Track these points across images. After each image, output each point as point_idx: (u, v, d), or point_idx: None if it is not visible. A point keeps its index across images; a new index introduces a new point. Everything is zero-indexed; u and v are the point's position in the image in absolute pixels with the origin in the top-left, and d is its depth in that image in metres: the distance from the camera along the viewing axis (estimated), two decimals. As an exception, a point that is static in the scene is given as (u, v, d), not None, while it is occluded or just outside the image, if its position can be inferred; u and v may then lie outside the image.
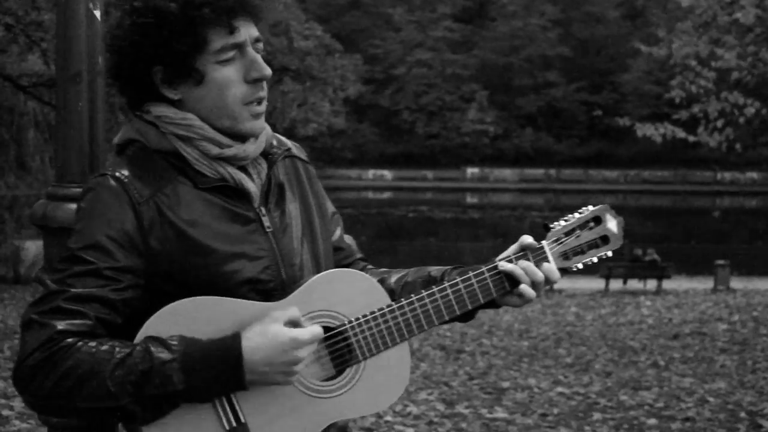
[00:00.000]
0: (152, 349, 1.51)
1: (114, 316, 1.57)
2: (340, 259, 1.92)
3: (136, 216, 1.60)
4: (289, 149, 1.85)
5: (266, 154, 1.77)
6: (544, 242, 1.81)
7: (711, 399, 6.75)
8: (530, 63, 59.91)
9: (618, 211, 1.87)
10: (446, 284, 1.75)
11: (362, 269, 1.94)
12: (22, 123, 14.49)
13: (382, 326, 1.71)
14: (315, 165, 1.93)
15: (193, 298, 1.59)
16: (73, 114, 1.85)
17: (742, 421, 5.96)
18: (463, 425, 5.82)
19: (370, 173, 57.97)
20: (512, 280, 1.77)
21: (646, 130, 11.85)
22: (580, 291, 16.82)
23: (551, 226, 1.83)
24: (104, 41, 1.85)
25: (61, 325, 1.52)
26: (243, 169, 1.72)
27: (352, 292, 1.70)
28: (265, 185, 1.74)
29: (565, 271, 1.83)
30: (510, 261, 1.78)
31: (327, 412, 1.67)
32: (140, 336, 1.56)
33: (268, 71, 1.68)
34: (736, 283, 18.03)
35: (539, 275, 1.77)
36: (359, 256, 1.98)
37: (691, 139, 11.72)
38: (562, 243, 1.82)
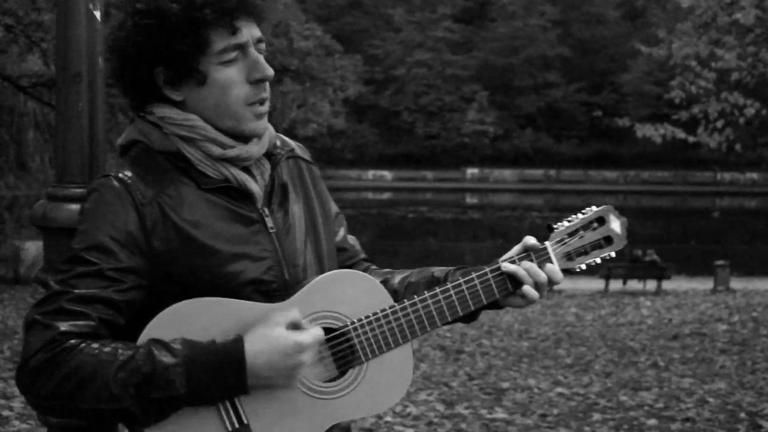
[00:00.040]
0: (155, 352, 1.52)
1: (117, 317, 1.58)
2: (344, 259, 1.92)
3: (139, 217, 1.60)
4: (292, 150, 1.85)
5: (269, 155, 1.77)
6: (547, 243, 1.81)
7: (711, 399, 6.75)
8: (530, 63, 59.89)
9: (617, 211, 1.87)
10: (449, 285, 1.75)
11: (366, 270, 1.94)
12: (22, 123, 14.49)
13: (385, 327, 1.71)
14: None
15: (194, 299, 1.59)
16: (73, 114, 1.85)
17: (741, 421, 5.96)
18: (463, 426, 5.82)
19: (370, 174, 57.96)
20: (515, 281, 1.77)
21: (645, 130, 11.85)
22: (580, 291, 16.82)
23: (554, 226, 1.83)
24: (105, 42, 1.85)
25: (64, 326, 1.52)
26: (246, 169, 1.72)
27: (355, 293, 1.70)
28: (269, 186, 1.74)
29: (568, 272, 1.83)
30: (513, 262, 1.78)
31: (330, 413, 1.67)
32: (143, 338, 1.56)
33: (271, 72, 1.68)
34: (736, 283, 18.02)
35: (542, 276, 1.77)
36: (363, 256, 1.98)
37: (691, 139, 11.72)
38: (565, 244, 1.82)
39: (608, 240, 1.85)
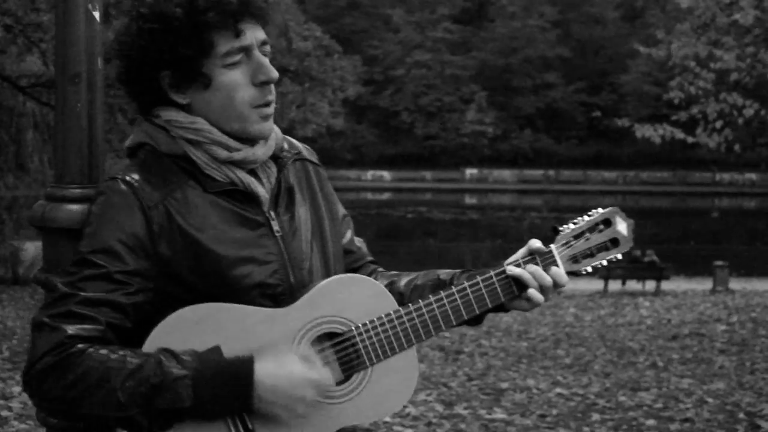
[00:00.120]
0: (165, 363, 1.52)
1: (124, 321, 1.58)
2: (351, 262, 1.92)
3: (146, 220, 1.61)
4: (299, 152, 1.85)
5: (276, 158, 1.77)
6: (552, 246, 1.81)
7: (710, 400, 6.75)
8: (529, 64, 59.88)
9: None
10: (454, 289, 1.75)
11: (372, 272, 1.94)
12: (21, 124, 14.47)
13: (390, 332, 1.71)
14: (315, 166, 1.93)
15: (199, 305, 1.60)
16: (72, 115, 1.85)
17: (740, 422, 5.96)
18: (462, 426, 5.82)
19: (369, 174, 57.92)
20: (520, 285, 1.77)
21: (645, 131, 11.86)
22: (579, 292, 16.81)
23: (560, 229, 1.83)
24: (105, 43, 1.85)
25: (71, 330, 1.53)
26: (253, 172, 1.72)
27: (359, 298, 1.71)
28: (275, 189, 1.75)
29: (574, 274, 1.83)
30: (518, 265, 1.78)
31: (335, 418, 1.67)
32: (149, 342, 1.57)
33: (275, 74, 1.68)
34: (735, 284, 18.02)
35: (547, 279, 1.76)
36: (370, 258, 1.98)
37: (690, 140, 11.73)
38: (571, 246, 1.82)
39: (614, 242, 1.85)
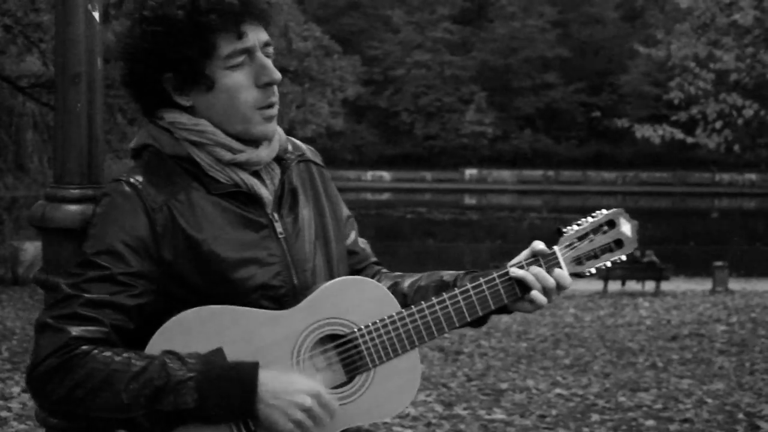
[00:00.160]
0: (169, 365, 1.53)
1: (128, 323, 1.59)
2: (355, 263, 1.92)
3: (149, 222, 1.61)
4: (303, 153, 1.85)
5: (280, 159, 1.77)
6: (556, 247, 1.80)
7: (709, 400, 6.75)
8: (529, 64, 59.90)
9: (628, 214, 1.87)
10: (457, 291, 1.75)
11: (376, 273, 1.94)
12: (20, 124, 14.47)
13: (392, 333, 1.71)
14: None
15: (202, 307, 1.60)
16: (71, 115, 1.85)
17: (740, 422, 5.96)
18: (462, 427, 5.82)
19: (369, 174, 57.94)
20: (523, 286, 1.76)
21: (644, 131, 11.87)
22: (579, 292, 16.82)
23: (564, 230, 1.82)
24: (107, 44, 1.86)
25: (75, 331, 1.53)
26: (256, 174, 1.72)
27: (362, 300, 1.71)
28: (279, 190, 1.75)
29: (578, 276, 1.82)
30: (521, 267, 1.77)
31: (338, 419, 1.67)
32: (152, 344, 1.57)
33: (278, 75, 1.68)
34: (735, 284, 18.03)
35: (550, 281, 1.76)
36: (374, 260, 1.98)
37: (690, 140, 11.73)
38: (575, 248, 1.81)
39: (618, 243, 1.85)
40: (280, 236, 1.71)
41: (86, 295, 1.55)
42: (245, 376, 1.55)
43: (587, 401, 6.74)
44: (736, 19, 10.32)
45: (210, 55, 1.64)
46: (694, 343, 10.24)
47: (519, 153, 59.05)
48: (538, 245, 1.80)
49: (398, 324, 1.71)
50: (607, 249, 1.84)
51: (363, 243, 1.97)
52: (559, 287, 1.78)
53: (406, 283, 1.89)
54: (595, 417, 6.12)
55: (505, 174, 57.97)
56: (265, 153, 1.72)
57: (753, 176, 53.34)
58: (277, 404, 1.56)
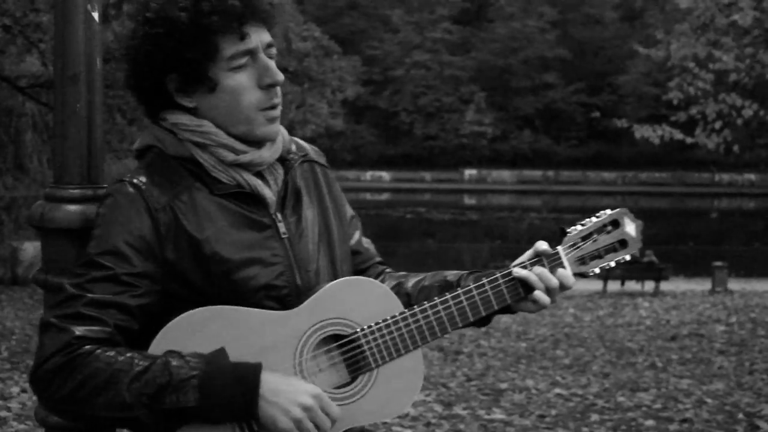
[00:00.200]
0: (172, 364, 1.53)
1: (131, 323, 1.59)
2: (358, 263, 1.92)
3: (153, 222, 1.62)
4: (306, 153, 1.86)
5: (283, 160, 1.78)
6: (559, 247, 1.80)
7: (709, 400, 6.75)
8: (528, 65, 59.91)
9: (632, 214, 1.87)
10: (460, 291, 1.75)
11: (380, 273, 1.95)
12: (20, 124, 14.48)
13: (395, 334, 1.71)
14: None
15: (205, 308, 1.61)
16: (71, 115, 1.85)
17: (739, 422, 5.96)
18: (461, 426, 5.82)
19: (368, 174, 57.92)
20: (526, 286, 1.76)
21: (644, 131, 11.87)
22: (578, 292, 16.81)
23: (568, 230, 1.82)
24: (107, 44, 1.86)
25: (79, 331, 1.54)
26: (259, 174, 1.73)
27: (365, 300, 1.71)
28: (282, 191, 1.75)
29: (581, 276, 1.82)
30: (524, 267, 1.77)
31: (341, 419, 1.67)
32: (155, 344, 1.58)
33: (281, 77, 1.69)
34: (734, 284, 18.03)
35: (553, 281, 1.76)
36: (378, 259, 1.98)
37: (689, 140, 11.74)
38: (578, 248, 1.81)
39: (623, 243, 1.84)
40: (283, 236, 1.71)
41: (90, 295, 1.56)
42: (247, 375, 1.55)
43: (587, 401, 6.74)
44: (735, 20, 10.32)
45: (213, 57, 1.64)
46: (694, 343, 10.24)
47: (518, 153, 59.05)
48: (542, 245, 1.80)
49: (401, 324, 1.72)
50: (611, 249, 1.84)
51: (367, 243, 1.97)
52: (563, 287, 1.78)
53: (410, 283, 1.89)
54: (594, 417, 6.12)
55: (505, 174, 57.97)
56: (268, 154, 1.72)
57: (752, 176, 53.35)
58: (277, 401, 1.56)
